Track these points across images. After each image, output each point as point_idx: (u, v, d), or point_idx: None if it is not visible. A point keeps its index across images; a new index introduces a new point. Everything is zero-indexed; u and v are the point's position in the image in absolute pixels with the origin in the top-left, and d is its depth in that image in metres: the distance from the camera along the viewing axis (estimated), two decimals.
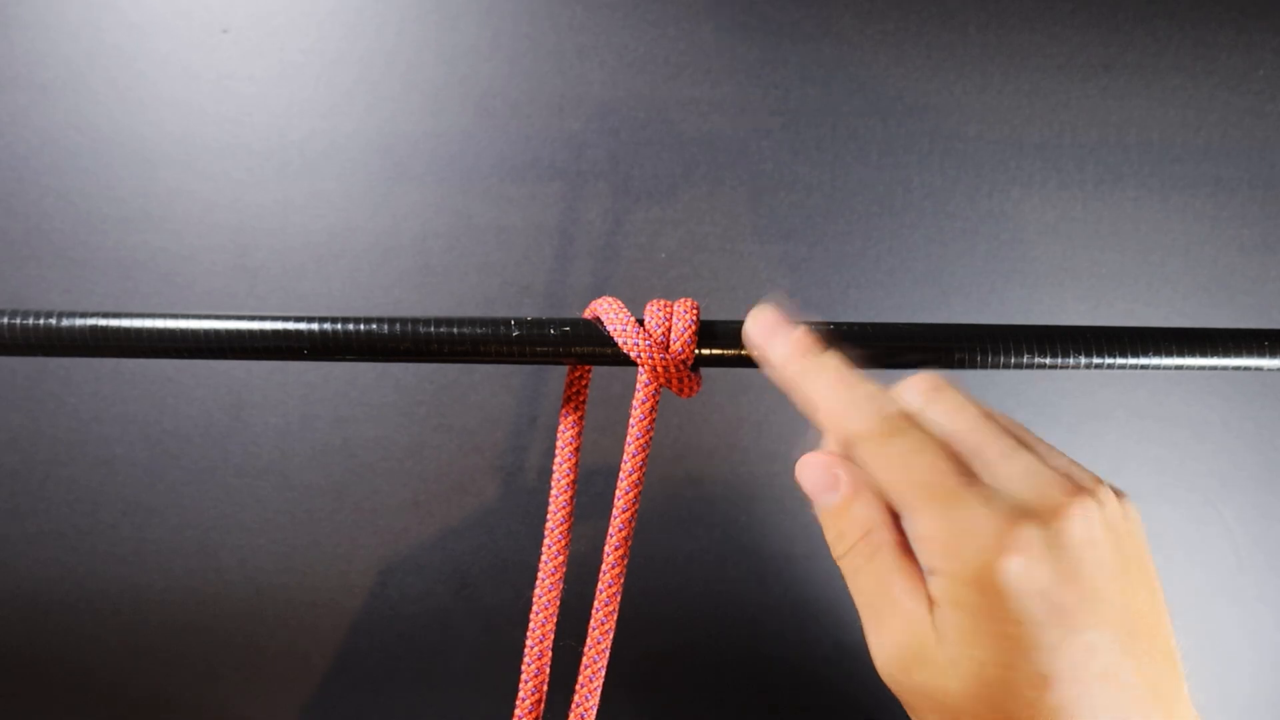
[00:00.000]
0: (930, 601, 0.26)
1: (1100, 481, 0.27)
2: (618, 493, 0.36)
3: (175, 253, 0.54)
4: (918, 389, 0.29)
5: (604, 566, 0.36)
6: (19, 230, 0.54)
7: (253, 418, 0.55)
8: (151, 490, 0.55)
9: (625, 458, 0.36)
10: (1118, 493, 0.28)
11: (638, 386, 0.35)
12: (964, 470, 0.26)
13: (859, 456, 0.28)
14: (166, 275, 0.54)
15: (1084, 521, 0.25)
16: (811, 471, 0.30)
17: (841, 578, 0.29)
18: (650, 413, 0.35)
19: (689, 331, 0.34)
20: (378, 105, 0.54)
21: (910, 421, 0.27)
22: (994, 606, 0.25)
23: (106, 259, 0.54)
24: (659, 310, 0.34)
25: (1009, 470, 0.26)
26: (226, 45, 0.54)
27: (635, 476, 0.36)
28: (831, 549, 0.29)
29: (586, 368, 0.37)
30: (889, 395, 0.28)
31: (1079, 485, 0.26)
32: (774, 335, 0.31)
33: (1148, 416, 0.57)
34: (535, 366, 0.55)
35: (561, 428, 0.37)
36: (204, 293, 0.54)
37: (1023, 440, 0.28)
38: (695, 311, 0.34)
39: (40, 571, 0.55)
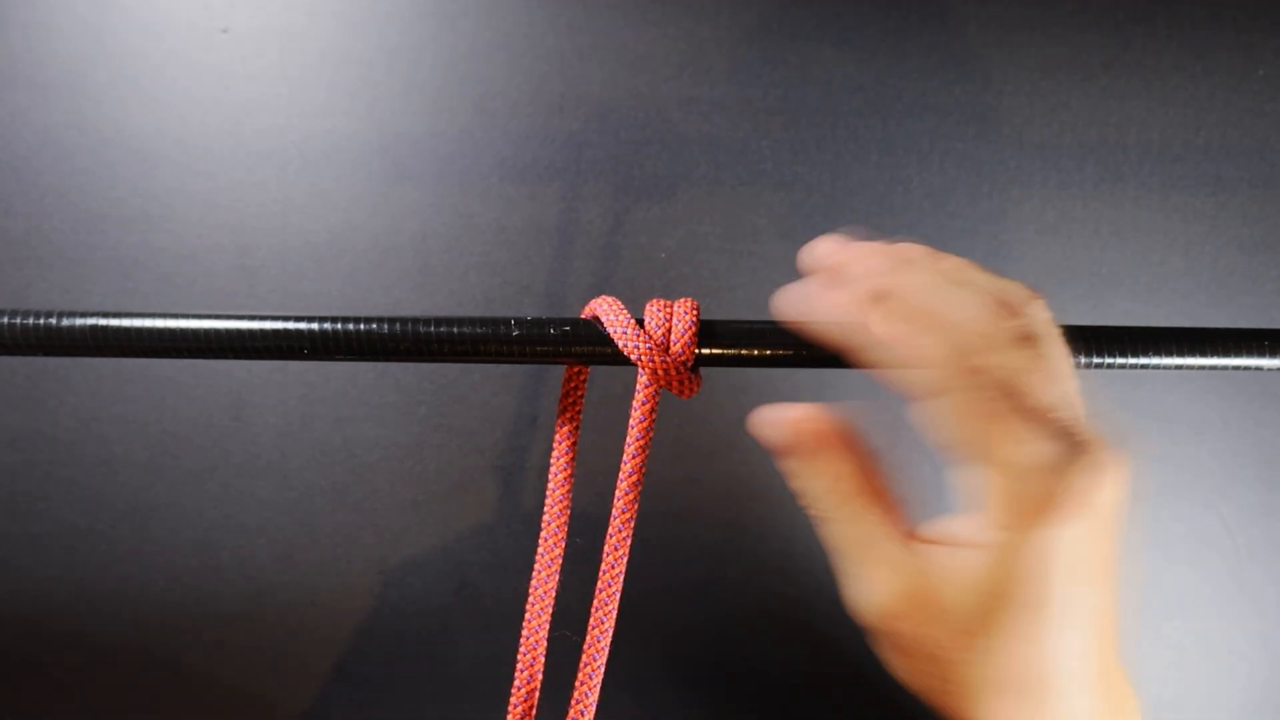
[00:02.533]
0: (915, 548, 0.27)
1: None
2: (617, 493, 0.36)
3: (175, 253, 0.54)
4: (1013, 327, 0.27)
5: (603, 566, 0.36)
6: (19, 230, 0.54)
7: (253, 418, 0.55)
8: (151, 490, 0.55)
9: (625, 458, 0.36)
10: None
11: (637, 388, 0.35)
12: (1025, 425, 0.25)
13: (930, 403, 0.27)
14: (166, 275, 0.54)
15: (1117, 489, 0.26)
16: (775, 427, 0.29)
17: (818, 532, 0.29)
18: (650, 414, 0.35)
19: (689, 332, 0.34)
20: (378, 105, 0.54)
21: (983, 366, 0.26)
22: (1035, 565, 0.25)
23: (106, 259, 0.54)
24: (659, 311, 0.34)
25: (1066, 430, 0.25)
26: (226, 45, 0.54)
27: (635, 477, 0.36)
28: (804, 500, 0.29)
29: (583, 368, 0.37)
30: (955, 327, 0.26)
31: (1113, 447, 0.26)
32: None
33: (1148, 416, 0.57)
34: (535, 366, 0.55)
35: (559, 422, 0.37)
36: (204, 293, 0.54)
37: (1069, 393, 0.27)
38: (695, 312, 0.34)
39: (40, 571, 0.55)
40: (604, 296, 0.35)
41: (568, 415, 0.38)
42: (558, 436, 0.38)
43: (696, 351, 0.34)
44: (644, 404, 0.35)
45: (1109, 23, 0.55)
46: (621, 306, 0.34)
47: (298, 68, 0.54)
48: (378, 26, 0.54)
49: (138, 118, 0.54)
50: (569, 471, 0.38)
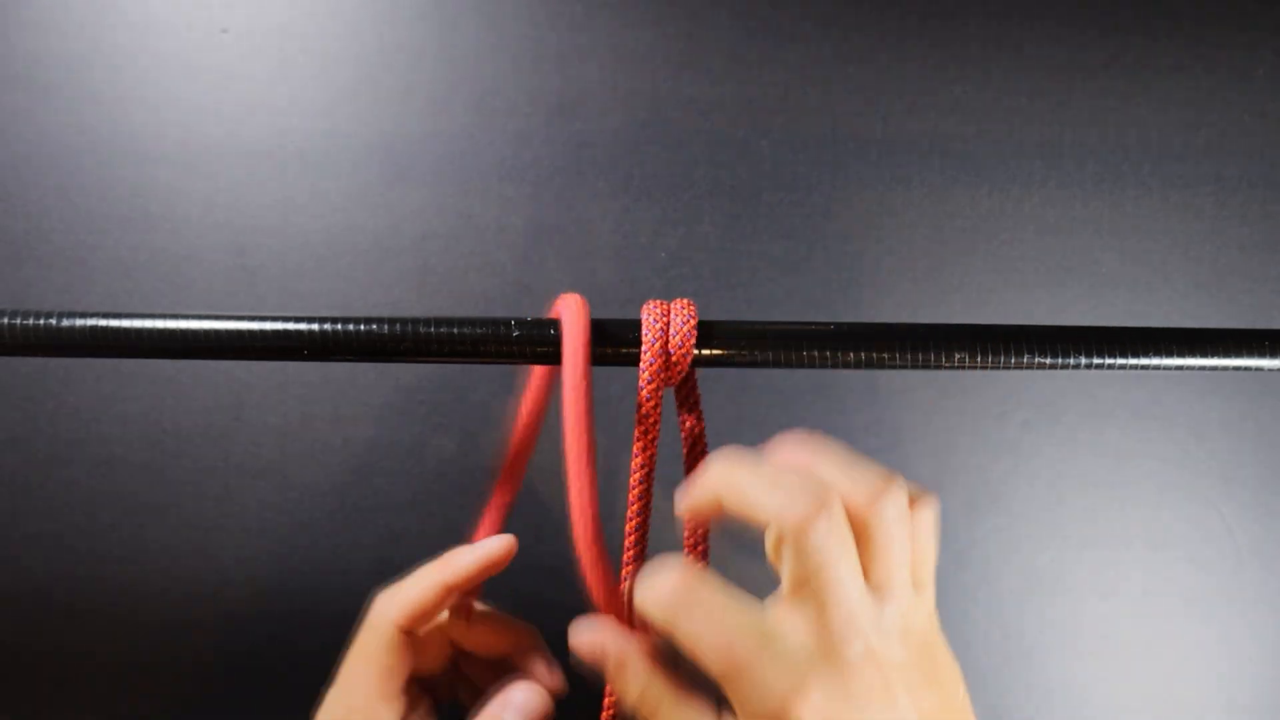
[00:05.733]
0: None
1: (893, 595, 0.28)
2: (630, 496, 0.36)
3: (175, 253, 0.54)
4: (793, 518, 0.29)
5: (623, 562, 0.36)
6: (19, 230, 0.54)
7: (253, 418, 0.55)
8: (151, 490, 0.55)
9: (634, 467, 0.36)
10: (917, 586, 0.29)
11: (639, 387, 0.35)
12: (752, 631, 0.28)
13: (778, 543, 0.30)
14: (166, 275, 0.54)
15: (866, 668, 0.27)
16: (582, 645, 0.32)
17: None
18: (653, 413, 0.35)
19: (687, 334, 0.34)
20: (378, 105, 0.54)
21: (700, 594, 0.28)
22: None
23: (106, 259, 0.54)
24: (655, 310, 0.34)
25: (793, 621, 0.28)
26: (226, 45, 0.54)
27: (646, 486, 0.36)
28: (629, 703, 0.32)
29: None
30: (682, 572, 0.29)
31: (867, 620, 0.27)
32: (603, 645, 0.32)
33: (1148, 416, 0.57)
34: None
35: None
36: (204, 293, 0.54)
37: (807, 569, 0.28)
38: (691, 310, 0.34)
39: (40, 571, 0.55)
40: (569, 294, 0.35)
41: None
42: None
43: (695, 352, 0.34)
44: (647, 400, 0.35)
45: (1109, 23, 0.55)
46: (582, 307, 0.34)
47: (298, 68, 0.54)
48: (378, 26, 0.54)
49: (138, 118, 0.54)
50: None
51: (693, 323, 0.34)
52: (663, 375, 0.34)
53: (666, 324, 0.34)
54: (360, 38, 0.54)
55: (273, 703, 0.57)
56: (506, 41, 0.54)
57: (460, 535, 0.57)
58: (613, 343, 0.34)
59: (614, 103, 0.55)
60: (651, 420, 0.35)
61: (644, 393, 0.34)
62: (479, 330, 0.33)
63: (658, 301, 0.35)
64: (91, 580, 0.56)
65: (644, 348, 0.34)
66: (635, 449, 0.36)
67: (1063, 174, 0.55)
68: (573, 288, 0.55)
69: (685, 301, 0.35)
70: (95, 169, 0.54)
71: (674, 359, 0.34)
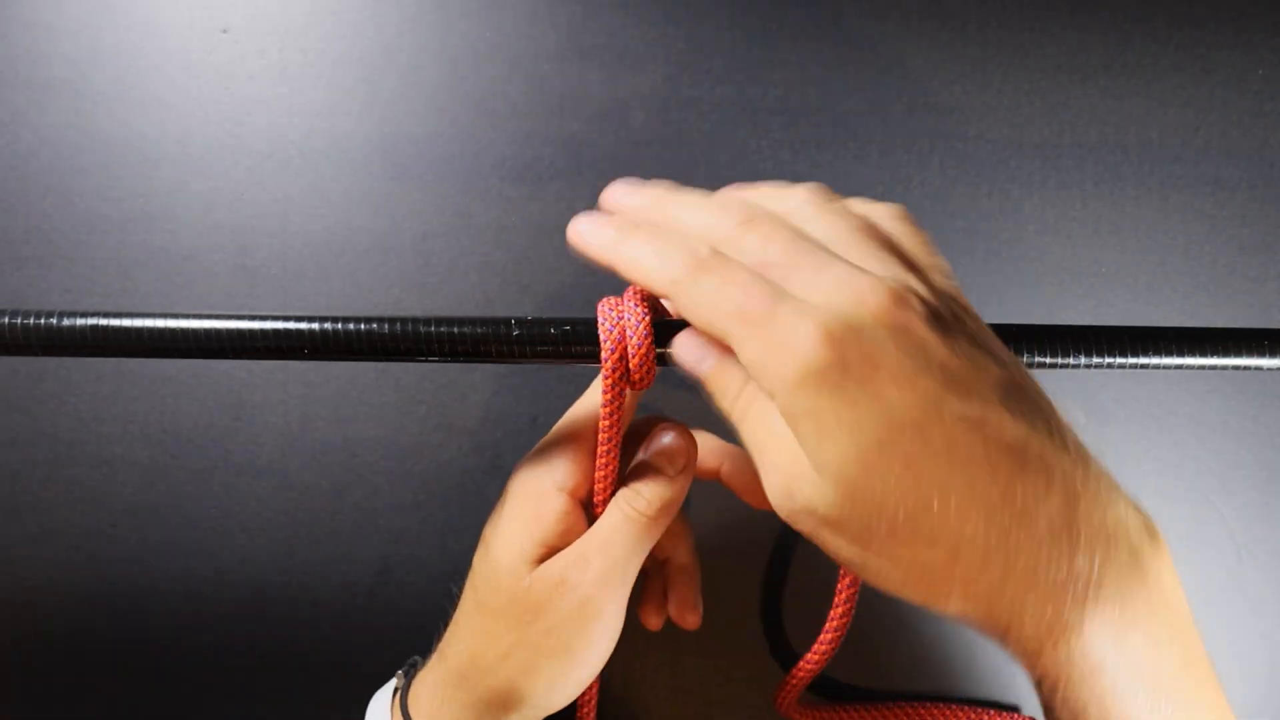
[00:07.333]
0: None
1: (924, 269, 0.29)
2: (595, 491, 0.36)
3: (175, 253, 0.54)
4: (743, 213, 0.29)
5: None
6: (19, 230, 0.54)
7: (253, 418, 0.55)
8: (151, 490, 0.55)
9: (596, 480, 0.36)
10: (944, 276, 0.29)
11: (602, 390, 0.34)
12: (774, 291, 0.26)
13: (676, 306, 0.29)
14: (166, 275, 0.54)
15: (899, 309, 0.26)
16: (684, 350, 0.31)
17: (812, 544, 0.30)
18: (616, 408, 0.34)
19: (645, 333, 0.33)
20: (378, 105, 0.54)
21: (715, 258, 0.28)
22: (828, 403, 0.25)
23: (106, 259, 0.54)
24: (611, 314, 0.34)
25: (820, 281, 0.26)
26: (226, 45, 0.54)
27: (609, 483, 0.36)
28: (721, 410, 0.30)
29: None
30: (694, 235, 0.29)
31: (895, 282, 0.27)
32: (589, 234, 0.32)
33: (1148, 416, 0.57)
34: (535, 366, 0.55)
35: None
36: (204, 293, 0.54)
37: (845, 244, 0.29)
38: (645, 308, 0.33)
39: (40, 571, 0.55)
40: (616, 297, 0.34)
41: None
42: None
43: (656, 350, 0.33)
44: (610, 403, 0.34)
45: (1109, 23, 0.55)
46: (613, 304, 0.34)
47: (298, 68, 0.54)
48: (378, 26, 0.54)
49: (138, 117, 0.54)
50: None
51: (648, 320, 0.33)
52: (625, 381, 0.33)
53: (622, 327, 0.33)
54: (360, 38, 0.54)
55: (272, 703, 0.57)
56: (506, 41, 0.54)
57: (460, 535, 0.57)
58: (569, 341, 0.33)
59: (614, 103, 0.55)
60: (614, 432, 0.34)
61: (606, 395, 0.33)
62: (479, 330, 0.33)
63: (613, 299, 0.34)
64: (91, 580, 0.56)
65: (603, 355, 0.33)
66: (600, 448, 0.35)
67: (1063, 174, 0.55)
68: (573, 288, 0.55)
69: (634, 291, 0.34)
70: (95, 169, 0.54)
71: (633, 365, 0.33)
